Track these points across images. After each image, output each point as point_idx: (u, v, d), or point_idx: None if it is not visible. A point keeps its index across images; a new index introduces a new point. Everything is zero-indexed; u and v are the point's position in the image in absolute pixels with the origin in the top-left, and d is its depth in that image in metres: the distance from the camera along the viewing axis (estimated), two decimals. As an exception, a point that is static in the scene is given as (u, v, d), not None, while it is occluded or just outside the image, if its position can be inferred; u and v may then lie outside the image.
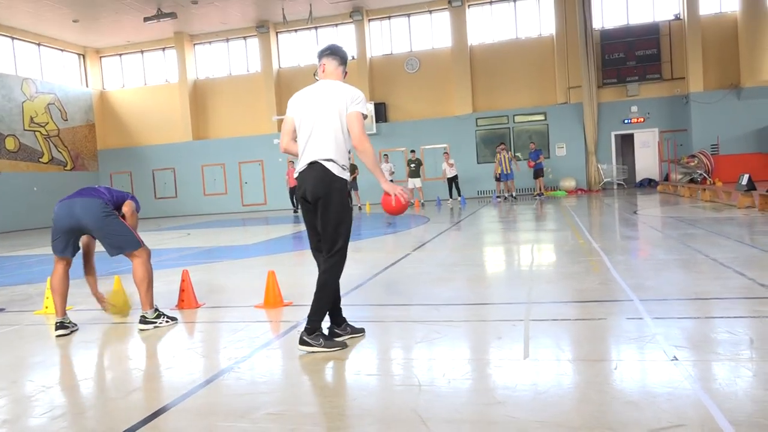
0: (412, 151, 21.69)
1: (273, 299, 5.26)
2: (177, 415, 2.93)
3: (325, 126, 3.76)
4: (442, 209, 18.00)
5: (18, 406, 3.20)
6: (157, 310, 4.85)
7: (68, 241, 4.79)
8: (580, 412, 2.63)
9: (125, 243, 4.76)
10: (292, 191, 21.16)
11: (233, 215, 24.04)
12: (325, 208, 3.72)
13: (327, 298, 3.80)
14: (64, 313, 4.83)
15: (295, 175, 3.90)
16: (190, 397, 3.15)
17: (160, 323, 4.81)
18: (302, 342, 3.76)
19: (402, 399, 2.93)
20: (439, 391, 2.98)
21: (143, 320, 4.79)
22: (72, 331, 4.82)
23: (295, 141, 3.96)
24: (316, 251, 3.97)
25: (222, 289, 6.51)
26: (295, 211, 21.18)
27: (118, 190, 5.08)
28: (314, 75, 4.27)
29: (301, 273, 7.33)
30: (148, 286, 4.82)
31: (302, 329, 3.82)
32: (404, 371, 3.40)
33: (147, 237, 12.50)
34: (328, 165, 3.72)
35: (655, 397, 2.72)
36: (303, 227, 14.75)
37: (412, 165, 20.60)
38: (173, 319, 4.95)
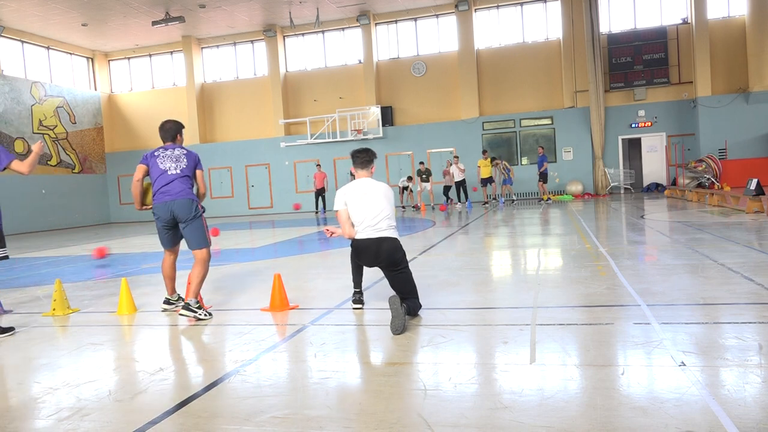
0: (421, 163, 21.63)
1: (279, 302, 5.27)
2: (182, 417, 2.93)
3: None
4: (448, 213, 17.96)
5: (25, 408, 3.22)
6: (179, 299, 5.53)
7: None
8: (587, 417, 2.61)
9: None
10: (318, 193, 21.60)
11: (240, 218, 24.10)
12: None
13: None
14: (172, 292, 5.66)
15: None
16: (196, 400, 3.15)
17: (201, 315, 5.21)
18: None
19: (408, 403, 2.93)
20: (445, 396, 2.97)
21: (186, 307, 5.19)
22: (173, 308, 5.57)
23: None
24: None
25: (228, 292, 6.53)
26: (317, 212, 21.61)
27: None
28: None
29: (308, 277, 7.34)
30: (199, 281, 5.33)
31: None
32: (410, 375, 3.39)
33: (154, 240, 12.55)
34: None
35: (663, 403, 2.70)
36: (310, 230, 14.78)
37: (423, 176, 20.83)
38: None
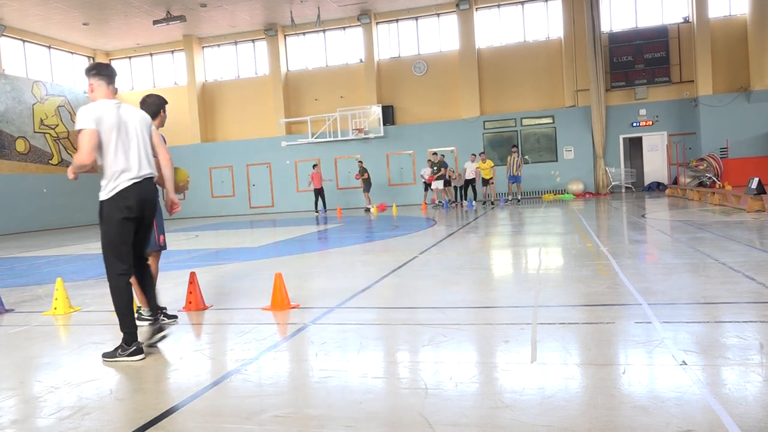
0: (434, 154, 21.46)
1: (280, 301, 5.27)
2: (184, 416, 2.93)
3: (148, 143, 4.15)
4: (450, 211, 17.96)
5: (26, 407, 3.22)
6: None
7: None
8: (588, 416, 2.61)
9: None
10: (317, 192, 21.47)
11: (241, 217, 24.10)
12: (153, 218, 4.23)
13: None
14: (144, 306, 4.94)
15: (127, 185, 3.98)
16: (197, 399, 3.15)
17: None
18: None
19: (408, 402, 2.93)
20: (446, 395, 2.97)
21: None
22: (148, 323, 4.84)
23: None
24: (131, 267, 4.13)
25: (229, 291, 6.53)
26: (317, 212, 21.40)
27: None
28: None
29: (309, 275, 7.34)
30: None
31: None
32: (411, 374, 3.39)
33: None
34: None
35: (664, 402, 2.70)
36: (310, 229, 14.75)
37: (434, 167, 20.59)
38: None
